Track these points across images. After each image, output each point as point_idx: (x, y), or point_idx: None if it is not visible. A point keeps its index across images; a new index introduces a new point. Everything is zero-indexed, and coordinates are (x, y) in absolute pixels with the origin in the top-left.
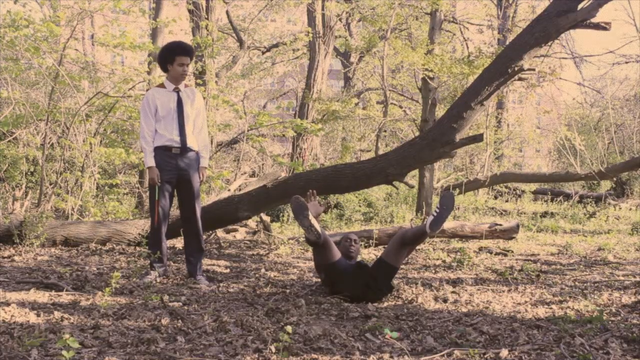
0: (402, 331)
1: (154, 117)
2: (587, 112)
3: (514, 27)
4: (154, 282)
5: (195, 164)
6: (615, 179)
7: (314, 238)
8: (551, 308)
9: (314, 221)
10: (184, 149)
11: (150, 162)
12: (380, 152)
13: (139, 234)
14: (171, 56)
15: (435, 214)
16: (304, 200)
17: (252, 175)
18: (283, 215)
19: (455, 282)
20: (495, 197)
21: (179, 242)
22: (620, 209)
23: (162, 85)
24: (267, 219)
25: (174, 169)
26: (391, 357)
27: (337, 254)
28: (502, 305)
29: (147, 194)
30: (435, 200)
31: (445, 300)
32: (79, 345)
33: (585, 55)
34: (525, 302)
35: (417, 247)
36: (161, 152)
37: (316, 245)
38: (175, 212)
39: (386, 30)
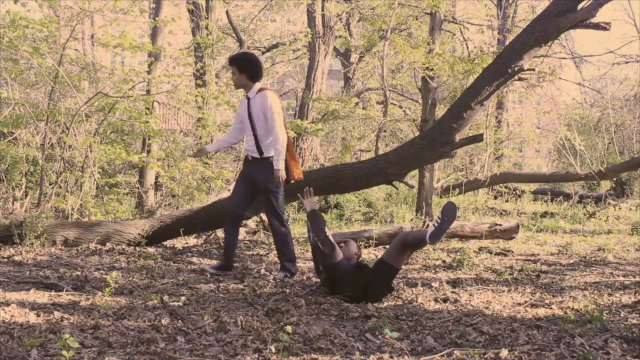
0: (402, 331)
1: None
2: (587, 112)
3: (514, 27)
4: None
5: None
6: (615, 179)
7: (328, 250)
8: (551, 308)
9: (329, 234)
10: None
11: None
12: (380, 152)
13: (139, 234)
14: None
15: (436, 224)
16: (321, 213)
17: None
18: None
19: (455, 282)
20: (495, 197)
21: (178, 242)
22: (620, 209)
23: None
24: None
25: None
26: (391, 357)
27: (339, 255)
28: (502, 305)
29: (269, 195)
30: (436, 200)
31: (445, 300)
32: (79, 345)
33: (585, 55)
34: (525, 302)
35: None
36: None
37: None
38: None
39: (386, 30)
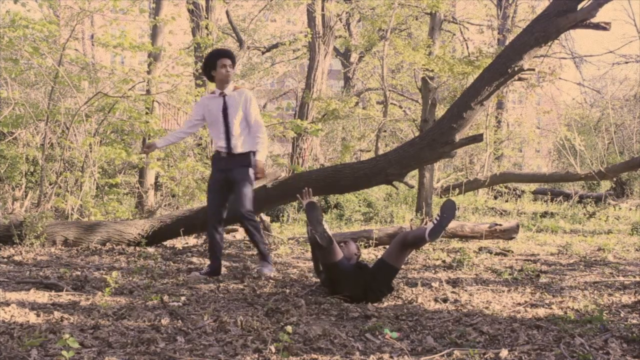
0: (402, 331)
1: None
2: (587, 112)
3: (514, 27)
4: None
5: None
6: (615, 179)
7: (325, 243)
8: (551, 308)
9: (326, 226)
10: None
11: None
12: (380, 152)
13: (139, 234)
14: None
15: (435, 222)
16: (319, 205)
17: None
18: (283, 215)
19: (455, 282)
20: (495, 197)
21: (178, 242)
22: (620, 209)
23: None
24: (267, 219)
25: None
26: (391, 357)
27: (339, 255)
28: (502, 305)
29: (245, 187)
30: (436, 200)
31: (445, 300)
32: (78, 345)
33: (585, 55)
34: (525, 302)
35: None
36: None
37: (322, 248)
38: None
39: (386, 30)
